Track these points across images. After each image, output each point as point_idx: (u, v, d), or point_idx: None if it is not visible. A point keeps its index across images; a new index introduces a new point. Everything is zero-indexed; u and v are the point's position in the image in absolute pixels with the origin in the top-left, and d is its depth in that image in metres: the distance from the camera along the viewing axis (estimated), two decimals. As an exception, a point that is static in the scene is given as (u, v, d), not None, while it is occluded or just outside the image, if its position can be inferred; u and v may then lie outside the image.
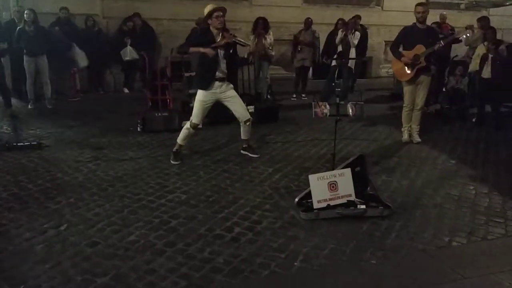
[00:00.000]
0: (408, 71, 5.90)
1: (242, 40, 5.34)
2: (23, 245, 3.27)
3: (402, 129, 6.33)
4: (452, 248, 3.43)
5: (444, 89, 8.46)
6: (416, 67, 5.83)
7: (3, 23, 8.29)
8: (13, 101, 7.76)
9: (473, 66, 7.87)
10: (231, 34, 5.02)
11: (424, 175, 4.96)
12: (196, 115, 5.06)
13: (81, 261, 3.07)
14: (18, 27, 7.69)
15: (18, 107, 7.85)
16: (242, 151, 5.52)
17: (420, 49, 5.77)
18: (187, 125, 5.14)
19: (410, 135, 6.27)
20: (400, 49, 6.04)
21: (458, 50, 9.25)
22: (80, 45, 8.81)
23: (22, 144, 5.60)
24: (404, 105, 6.24)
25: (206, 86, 4.95)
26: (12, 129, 6.45)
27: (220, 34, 4.90)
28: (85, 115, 7.51)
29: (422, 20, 5.82)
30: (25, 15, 7.61)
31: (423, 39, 5.79)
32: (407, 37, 5.99)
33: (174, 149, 5.23)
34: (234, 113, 5.26)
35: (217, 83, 4.95)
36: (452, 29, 9.44)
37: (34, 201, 4.02)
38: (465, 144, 6.31)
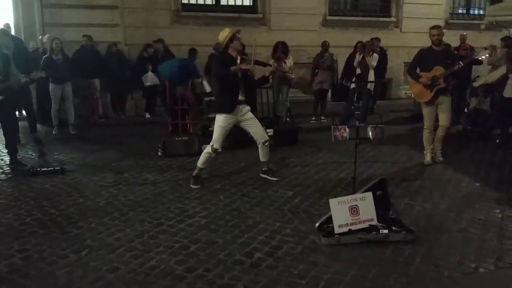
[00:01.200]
0: (427, 93, 5.85)
1: (263, 61, 5.43)
2: (45, 270, 3.31)
3: (424, 152, 6.24)
4: (479, 274, 3.32)
5: (466, 110, 8.34)
6: (435, 88, 5.79)
7: (30, 52, 8.58)
8: (38, 126, 7.98)
9: (490, 77, 7.69)
10: (247, 54, 5.11)
11: (447, 198, 4.86)
12: (216, 140, 5.11)
13: (102, 286, 3.08)
14: (45, 56, 7.95)
15: (43, 133, 8.05)
16: (261, 175, 5.51)
17: (438, 70, 5.74)
18: (207, 149, 5.18)
19: (432, 157, 6.18)
20: (417, 71, 6.01)
21: (480, 71, 9.13)
22: (103, 71, 9.13)
23: (46, 169, 5.72)
24: (424, 127, 6.17)
25: (230, 109, 5.02)
26: (37, 155, 6.60)
27: (238, 57, 5.02)
28: (107, 140, 7.65)
29: (437, 42, 5.82)
30: (53, 44, 7.87)
31: (441, 61, 5.77)
32: (424, 59, 5.98)
33: (194, 173, 5.26)
34: (253, 135, 5.30)
35: (237, 107, 5.03)
36: (472, 49, 9.36)
37: (56, 226, 4.07)
38: (489, 165, 6.17)
